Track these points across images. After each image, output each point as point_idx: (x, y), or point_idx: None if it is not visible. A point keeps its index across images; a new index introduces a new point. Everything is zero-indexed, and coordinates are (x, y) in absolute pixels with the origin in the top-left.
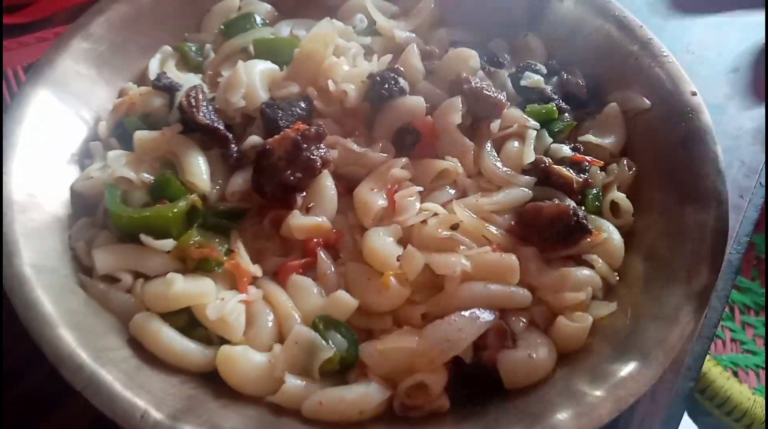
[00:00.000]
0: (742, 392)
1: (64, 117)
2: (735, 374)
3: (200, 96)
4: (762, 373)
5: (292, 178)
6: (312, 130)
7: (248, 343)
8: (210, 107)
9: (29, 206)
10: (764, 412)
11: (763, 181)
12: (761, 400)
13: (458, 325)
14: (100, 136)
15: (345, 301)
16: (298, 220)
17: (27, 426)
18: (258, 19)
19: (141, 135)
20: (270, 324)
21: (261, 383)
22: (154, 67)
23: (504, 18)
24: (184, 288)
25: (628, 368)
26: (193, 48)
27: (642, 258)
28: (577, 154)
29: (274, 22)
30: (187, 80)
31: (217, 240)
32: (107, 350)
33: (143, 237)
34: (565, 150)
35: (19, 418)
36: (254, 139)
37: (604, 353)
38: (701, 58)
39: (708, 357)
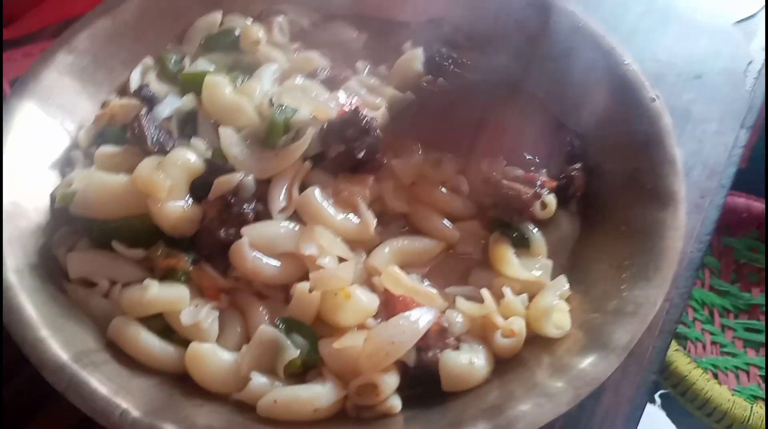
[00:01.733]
0: (722, 394)
1: (48, 128)
2: (715, 376)
3: (144, 123)
4: (741, 374)
5: (226, 235)
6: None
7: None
8: (158, 130)
9: (14, 215)
10: (744, 412)
11: (725, 181)
12: (740, 401)
13: (402, 327)
14: (80, 145)
15: (307, 300)
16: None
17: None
18: (237, 33)
19: (103, 151)
20: (239, 328)
21: (228, 381)
22: (135, 79)
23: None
24: (159, 294)
25: (587, 360)
26: (174, 59)
27: (604, 254)
28: (528, 173)
29: None
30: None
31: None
32: (88, 353)
33: (115, 244)
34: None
35: (6, 420)
36: None
37: (565, 348)
38: (668, 65)
39: (689, 360)
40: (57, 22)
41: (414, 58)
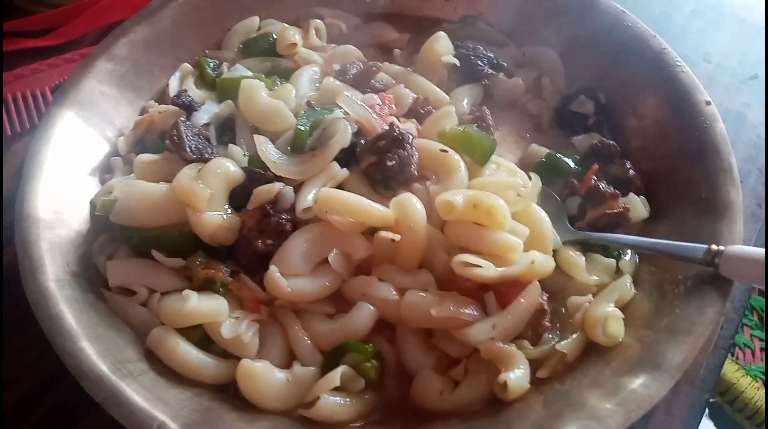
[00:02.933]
0: None
1: (88, 135)
2: (765, 383)
3: (182, 130)
4: None
5: (264, 245)
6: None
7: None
8: (197, 137)
9: (55, 223)
10: None
11: None
12: None
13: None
14: (119, 151)
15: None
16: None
17: None
18: (275, 38)
19: (142, 158)
20: (281, 342)
21: (281, 398)
22: (174, 85)
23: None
24: (198, 305)
25: (638, 381)
26: (211, 64)
27: (655, 267)
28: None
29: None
30: (205, 98)
31: (224, 263)
32: (126, 363)
33: (155, 253)
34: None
35: None
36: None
37: (615, 366)
38: (721, 67)
39: (737, 367)
40: (96, 27)
41: (436, 40)
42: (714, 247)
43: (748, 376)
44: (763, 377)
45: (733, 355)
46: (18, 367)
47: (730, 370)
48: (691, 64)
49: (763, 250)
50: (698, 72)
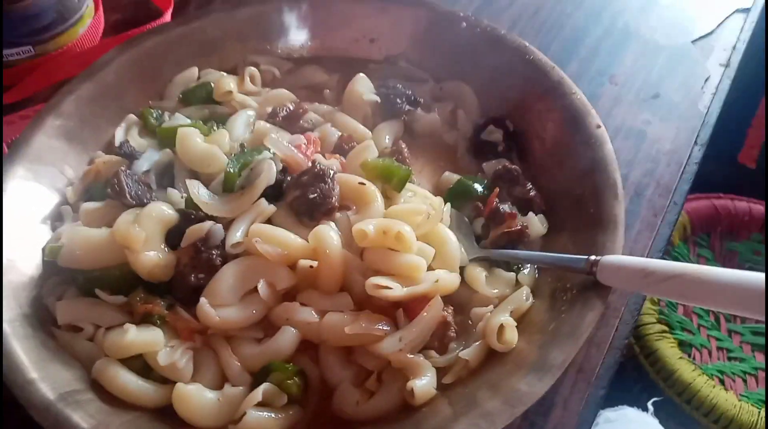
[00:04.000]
0: (728, 399)
1: (39, 188)
2: (722, 382)
3: (123, 178)
4: (750, 379)
5: (196, 280)
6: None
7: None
8: (137, 184)
9: (7, 269)
10: (751, 417)
11: (678, 199)
12: (747, 406)
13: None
14: (69, 200)
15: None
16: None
17: None
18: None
19: (87, 206)
20: (213, 366)
21: (212, 416)
22: (119, 136)
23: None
24: (136, 337)
25: (524, 380)
26: (154, 114)
27: (551, 278)
28: (508, 212)
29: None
30: (148, 146)
31: (162, 297)
32: (74, 393)
33: (99, 292)
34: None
35: None
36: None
37: (509, 369)
38: (625, 87)
39: (693, 367)
40: (48, 85)
41: (357, 82)
42: (592, 257)
43: (704, 375)
44: (720, 375)
45: (690, 355)
46: None
47: (687, 370)
48: (597, 85)
49: (630, 258)
50: (605, 92)
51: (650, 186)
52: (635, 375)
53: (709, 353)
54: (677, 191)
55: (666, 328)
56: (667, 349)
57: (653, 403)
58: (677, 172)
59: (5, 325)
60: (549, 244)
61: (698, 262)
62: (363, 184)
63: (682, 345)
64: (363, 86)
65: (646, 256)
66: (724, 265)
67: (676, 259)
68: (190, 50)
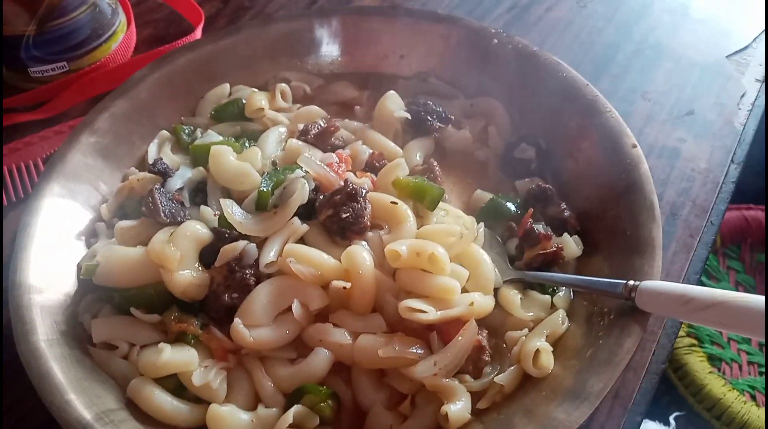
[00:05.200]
0: (760, 416)
1: (74, 204)
2: (753, 398)
3: (157, 197)
4: None
5: (230, 299)
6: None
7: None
8: (171, 202)
9: (44, 287)
10: None
11: (715, 219)
12: None
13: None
14: (103, 217)
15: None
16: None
17: None
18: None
19: (122, 224)
20: (247, 386)
21: None
22: (152, 152)
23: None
24: (171, 357)
25: (561, 408)
26: (186, 130)
27: (587, 301)
28: (543, 233)
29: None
30: (180, 162)
31: (196, 316)
32: (109, 412)
33: (134, 310)
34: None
35: None
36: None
37: (545, 395)
38: (658, 104)
39: (723, 382)
40: (83, 100)
41: (387, 98)
42: (631, 282)
43: (735, 390)
44: (751, 391)
45: (719, 370)
46: (15, 416)
47: (717, 385)
48: (630, 103)
49: (670, 284)
50: (637, 110)
51: (686, 206)
52: (663, 388)
53: (740, 368)
54: (714, 211)
55: (695, 341)
56: (697, 363)
57: (676, 418)
58: (713, 191)
59: (42, 344)
60: (583, 266)
61: (728, 275)
62: (395, 203)
63: (712, 359)
64: (393, 103)
65: (683, 278)
66: (753, 277)
67: (706, 272)
68: (222, 67)
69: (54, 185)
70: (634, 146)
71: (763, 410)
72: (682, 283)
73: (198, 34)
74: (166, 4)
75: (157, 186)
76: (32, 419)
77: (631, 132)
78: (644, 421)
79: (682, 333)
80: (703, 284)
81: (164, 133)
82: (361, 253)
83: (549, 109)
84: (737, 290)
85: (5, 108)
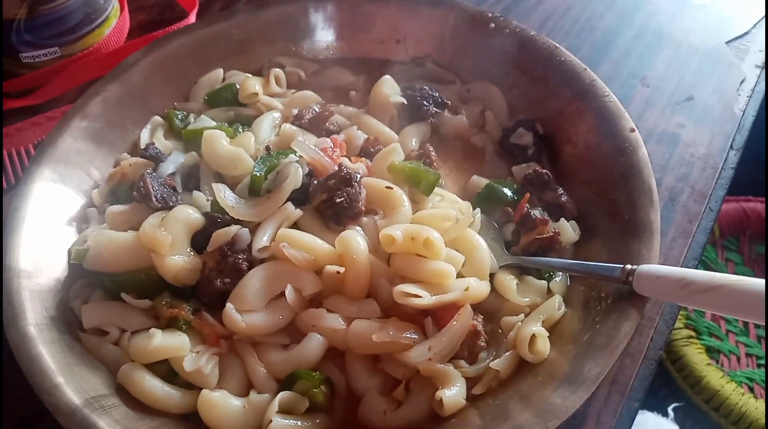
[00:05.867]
0: (758, 408)
1: (65, 189)
2: (751, 390)
3: (148, 181)
4: None
5: (222, 284)
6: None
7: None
8: (162, 186)
9: (34, 272)
10: None
11: (714, 205)
12: None
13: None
14: (94, 203)
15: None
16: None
17: None
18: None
19: (113, 209)
20: (239, 372)
21: (238, 424)
22: (144, 137)
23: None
24: (162, 342)
25: (558, 393)
26: (179, 116)
27: (583, 286)
28: (539, 218)
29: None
30: (173, 148)
31: (188, 301)
32: (99, 398)
33: (124, 295)
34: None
35: None
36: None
37: (541, 380)
38: (658, 90)
39: (721, 374)
40: (74, 86)
41: (383, 83)
42: (628, 266)
43: (733, 382)
44: (749, 383)
45: (718, 362)
46: (15, 398)
47: (715, 377)
48: (630, 88)
49: (668, 268)
50: (637, 95)
51: (685, 191)
52: (661, 380)
53: (738, 360)
54: (713, 197)
55: (693, 333)
56: (695, 355)
57: (674, 409)
58: (712, 177)
59: (32, 328)
60: (581, 252)
61: (726, 267)
62: (390, 188)
63: (710, 351)
64: (389, 88)
65: (682, 264)
66: (753, 269)
67: (704, 264)
68: (216, 52)
69: (45, 170)
70: (633, 130)
71: (761, 402)
72: (682, 267)
73: (192, 19)
74: None
75: (148, 171)
76: (31, 403)
77: (631, 117)
78: (642, 412)
79: (680, 325)
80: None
81: (157, 118)
82: (355, 238)
83: (546, 93)
84: None
85: None
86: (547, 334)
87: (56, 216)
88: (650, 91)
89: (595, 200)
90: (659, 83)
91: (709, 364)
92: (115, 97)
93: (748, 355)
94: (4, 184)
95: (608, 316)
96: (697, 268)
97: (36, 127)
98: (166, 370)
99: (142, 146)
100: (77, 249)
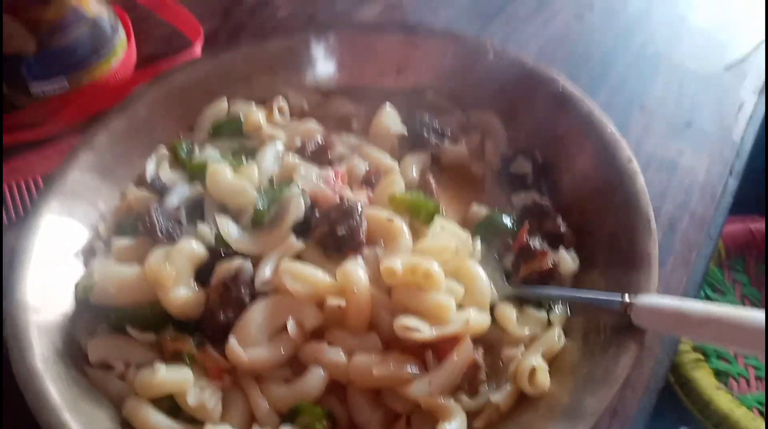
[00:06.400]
0: None
1: (73, 223)
2: (761, 414)
3: (154, 215)
4: None
5: (225, 318)
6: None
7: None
8: (168, 220)
9: (42, 306)
10: None
11: (714, 232)
12: None
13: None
14: (101, 235)
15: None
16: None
17: None
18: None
19: (119, 243)
20: (242, 406)
21: None
22: (150, 169)
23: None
24: (166, 376)
25: (557, 427)
26: (184, 147)
27: (583, 317)
28: (539, 250)
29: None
30: (178, 179)
31: (192, 334)
32: None
33: (129, 329)
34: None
35: None
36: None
37: (541, 414)
38: (656, 115)
39: (730, 398)
40: (84, 118)
41: (383, 114)
42: (627, 297)
43: (743, 407)
44: (760, 407)
45: (727, 385)
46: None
47: (724, 401)
48: (628, 115)
49: (666, 300)
50: (635, 121)
51: (684, 219)
52: (669, 404)
53: (747, 383)
54: (712, 224)
55: (701, 356)
56: (703, 378)
57: None
58: (711, 204)
59: (39, 363)
60: (580, 281)
61: (733, 288)
62: (391, 220)
63: (719, 374)
64: (390, 118)
65: (683, 293)
66: (760, 290)
67: (711, 285)
68: (220, 83)
69: (52, 203)
70: (630, 161)
71: None
72: (682, 297)
73: (197, 50)
74: (166, 21)
75: (154, 204)
76: None
77: (629, 144)
78: None
79: (687, 347)
80: (708, 298)
81: (162, 150)
82: (356, 271)
83: (545, 123)
84: (743, 303)
85: (5, 125)
86: (547, 367)
87: (63, 249)
88: (648, 117)
89: (593, 230)
90: (657, 109)
91: (718, 387)
92: (122, 130)
93: (758, 378)
94: (5, 220)
95: (607, 348)
96: (701, 294)
97: (45, 160)
98: (170, 404)
99: (149, 179)
100: (84, 283)
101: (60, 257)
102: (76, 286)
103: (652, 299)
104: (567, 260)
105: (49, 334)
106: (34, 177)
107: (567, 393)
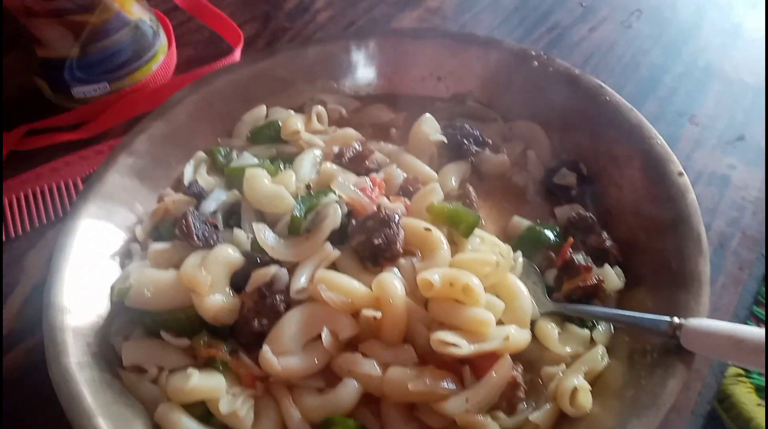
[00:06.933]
0: None
1: (110, 225)
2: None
3: (191, 220)
4: None
5: (259, 325)
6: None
7: None
8: (204, 225)
9: (78, 308)
10: None
11: (766, 251)
12: None
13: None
14: (138, 238)
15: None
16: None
17: None
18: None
19: (155, 247)
20: (273, 415)
21: None
22: (188, 174)
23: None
24: (198, 383)
25: None
26: (222, 152)
27: (628, 337)
28: (583, 265)
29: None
30: (216, 184)
31: (226, 341)
32: None
33: (163, 333)
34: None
35: None
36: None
37: None
38: (707, 128)
39: (758, 402)
40: (122, 121)
41: (423, 122)
42: (676, 319)
43: None
44: None
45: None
46: None
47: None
48: (677, 127)
49: (719, 324)
50: (685, 134)
51: (735, 237)
52: (709, 421)
53: None
54: (766, 243)
55: (742, 371)
56: (744, 394)
57: None
58: (765, 221)
59: (74, 366)
60: (625, 300)
61: None
62: (429, 230)
63: (760, 390)
64: (429, 126)
65: (732, 315)
66: None
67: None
68: (259, 89)
69: (91, 206)
70: (681, 174)
71: None
72: (731, 318)
73: (237, 55)
74: (207, 26)
75: (191, 209)
76: None
77: (679, 158)
78: None
79: None
80: (760, 318)
81: (200, 154)
82: (392, 282)
83: (591, 133)
84: None
85: (46, 128)
86: (590, 387)
87: (100, 252)
88: (699, 130)
89: (640, 246)
90: (708, 122)
91: (759, 404)
92: (161, 134)
93: None
94: (44, 220)
95: (654, 371)
96: (751, 315)
97: (84, 161)
98: (203, 410)
99: (186, 183)
100: (120, 287)
101: (97, 260)
102: (112, 288)
103: (704, 322)
104: (612, 277)
105: (84, 336)
106: (74, 178)
107: (611, 416)
